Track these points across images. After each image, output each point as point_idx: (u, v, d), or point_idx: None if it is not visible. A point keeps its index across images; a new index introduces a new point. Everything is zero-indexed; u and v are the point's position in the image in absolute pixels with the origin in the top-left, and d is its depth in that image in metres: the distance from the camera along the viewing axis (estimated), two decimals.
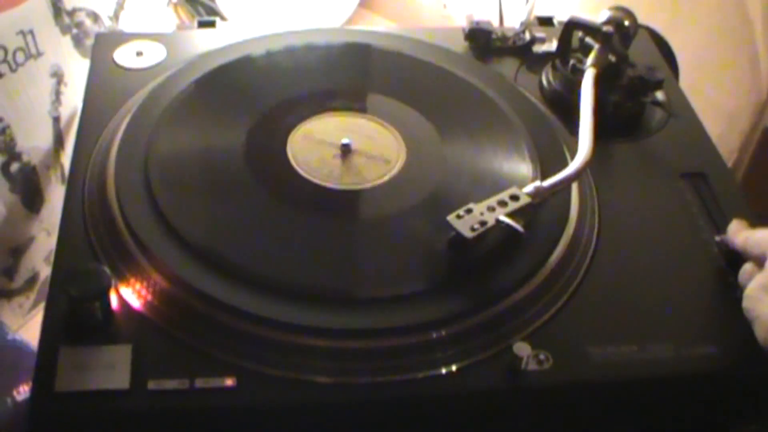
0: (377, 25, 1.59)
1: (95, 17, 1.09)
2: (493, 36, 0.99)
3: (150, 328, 0.67)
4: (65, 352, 0.65)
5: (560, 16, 1.03)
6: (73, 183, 0.79)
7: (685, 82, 0.99)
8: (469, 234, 0.71)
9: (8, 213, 1.03)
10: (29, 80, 1.00)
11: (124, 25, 1.16)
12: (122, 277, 0.70)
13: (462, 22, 1.00)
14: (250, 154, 0.81)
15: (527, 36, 0.99)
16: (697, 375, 0.69)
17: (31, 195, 1.07)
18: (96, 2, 1.09)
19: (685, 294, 0.75)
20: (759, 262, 0.71)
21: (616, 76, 0.90)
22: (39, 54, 1.01)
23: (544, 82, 0.94)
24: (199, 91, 0.87)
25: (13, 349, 0.97)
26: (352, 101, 0.89)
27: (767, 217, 0.79)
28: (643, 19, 0.96)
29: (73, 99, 1.07)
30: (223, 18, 1.39)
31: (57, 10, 1.02)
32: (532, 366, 0.67)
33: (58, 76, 1.05)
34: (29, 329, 1.12)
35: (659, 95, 0.92)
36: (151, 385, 0.64)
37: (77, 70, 1.07)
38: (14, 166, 1.02)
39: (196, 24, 1.03)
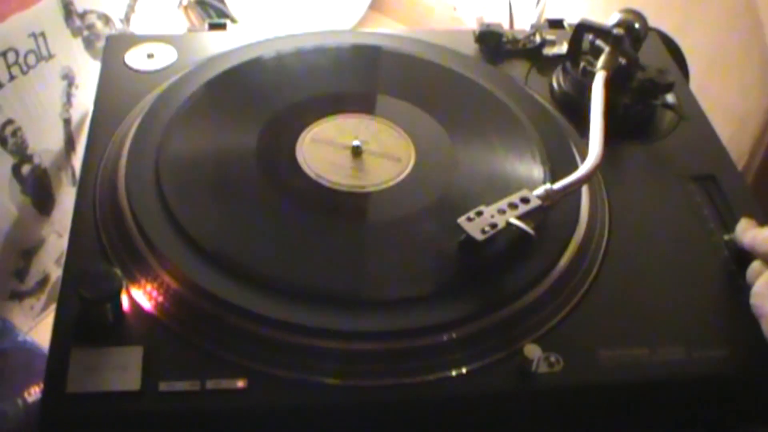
0: (387, 28, 1.59)
1: (106, 19, 1.10)
2: (504, 38, 0.99)
3: (161, 329, 0.68)
4: (76, 353, 0.65)
5: (570, 19, 1.03)
6: (84, 185, 0.79)
7: (695, 85, 0.99)
8: (479, 237, 0.71)
9: (19, 215, 1.04)
10: (40, 82, 1.01)
11: (135, 28, 1.16)
12: (133, 279, 0.70)
13: (471, 25, 1.00)
14: (261, 156, 0.81)
15: (537, 38, 0.99)
16: (708, 378, 0.69)
17: (42, 197, 1.07)
18: (107, 4, 1.09)
19: (696, 297, 0.75)
20: (767, 260, 0.71)
21: (627, 79, 0.89)
22: (50, 56, 1.01)
23: (555, 84, 0.94)
24: (210, 93, 0.87)
25: (24, 351, 0.98)
26: (362, 103, 0.89)
27: None
28: (653, 21, 0.96)
29: (84, 101, 1.08)
30: (233, 20, 1.40)
31: (68, 12, 1.02)
32: (543, 368, 0.67)
33: (69, 78, 1.05)
34: (40, 331, 1.12)
35: (669, 98, 0.92)
36: (162, 386, 0.64)
37: (88, 72, 1.07)
38: (25, 168, 1.03)
39: (206, 26, 1.03)
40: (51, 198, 1.09)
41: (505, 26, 1.03)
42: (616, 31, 0.89)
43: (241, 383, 0.64)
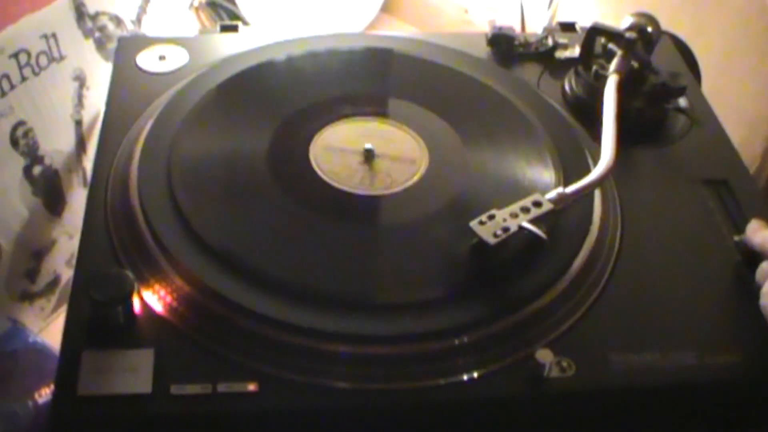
0: (399, 30, 1.59)
1: (118, 21, 1.10)
2: (516, 42, 0.99)
3: (172, 332, 0.68)
4: (88, 355, 0.65)
5: (583, 22, 1.03)
6: (95, 186, 0.79)
7: (707, 89, 0.99)
8: (491, 240, 0.70)
9: (30, 216, 1.04)
10: (52, 84, 1.01)
11: (147, 29, 1.16)
12: (145, 282, 0.70)
13: (483, 27, 1.00)
14: (273, 159, 0.81)
15: (550, 42, 0.99)
16: (720, 383, 0.69)
17: (53, 198, 1.07)
18: (119, 6, 1.09)
19: (708, 301, 0.74)
20: None
21: (639, 83, 0.89)
22: (62, 57, 1.01)
23: (567, 88, 0.94)
24: (222, 96, 0.87)
25: (35, 352, 0.98)
26: (375, 107, 0.89)
27: None
28: (666, 25, 0.96)
29: (96, 102, 1.08)
30: (245, 23, 1.40)
31: (80, 13, 1.02)
32: (555, 373, 0.67)
33: (81, 80, 1.06)
34: (50, 332, 1.12)
35: (682, 102, 0.92)
36: (174, 389, 0.64)
37: (100, 73, 1.07)
38: (36, 170, 1.03)
39: (218, 28, 1.03)
40: (62, 199, 1.09)
41: (517, 29, 1.03)
42: (628, 34, 0.89)
43: (252, 386, 0.64)
